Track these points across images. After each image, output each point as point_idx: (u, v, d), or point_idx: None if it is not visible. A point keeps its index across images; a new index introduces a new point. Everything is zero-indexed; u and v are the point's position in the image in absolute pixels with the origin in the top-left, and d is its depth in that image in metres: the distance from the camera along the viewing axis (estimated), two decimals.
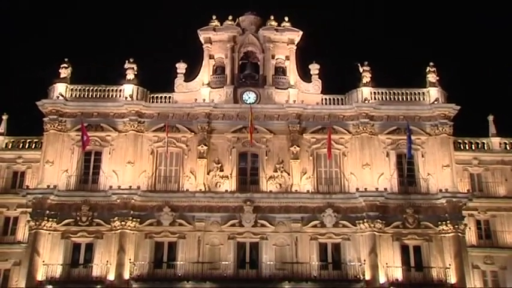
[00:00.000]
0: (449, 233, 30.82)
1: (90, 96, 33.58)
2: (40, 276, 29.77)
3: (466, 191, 32.30)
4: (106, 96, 33.64)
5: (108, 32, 55.60)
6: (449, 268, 30.18)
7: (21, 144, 34.81)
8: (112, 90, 33.76)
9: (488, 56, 55.14)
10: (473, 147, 34.93)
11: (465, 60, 52.27)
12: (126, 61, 34.12)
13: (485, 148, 35.05)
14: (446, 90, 33.90)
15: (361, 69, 34.15)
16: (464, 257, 30.49)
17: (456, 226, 30.75)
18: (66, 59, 34.05)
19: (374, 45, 51.35)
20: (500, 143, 35.21)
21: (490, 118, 35.98)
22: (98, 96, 33.63)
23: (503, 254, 32.85)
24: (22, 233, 32.85)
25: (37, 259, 29.93)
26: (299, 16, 35.96)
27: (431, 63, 34.35)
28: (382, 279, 30.01)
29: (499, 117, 35.96)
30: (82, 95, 33.57)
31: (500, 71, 54.18)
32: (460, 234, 30.80)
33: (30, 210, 31.13)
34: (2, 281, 32.16)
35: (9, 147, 34.86)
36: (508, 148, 35.18)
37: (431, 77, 34.07)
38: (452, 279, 30.04)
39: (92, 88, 33.70)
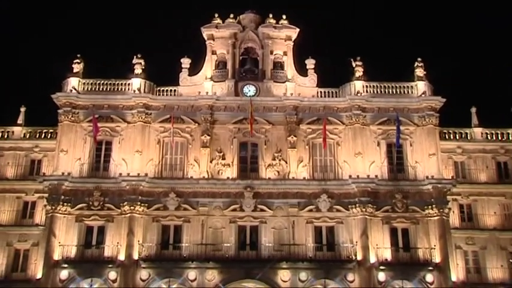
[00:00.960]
0: (434, 216, 29.86)
1: (101, 89, 32.34)
2: (56, 256, 28.90)
3: (450, 178, 31.30)
4: (116, 89, 32.37)
5: (116, 29, 54.51)
6: (434, 248, 29.32)
7: (38, 134, 33.63)
8: (121, 84, 32.46)
9: (472, 51, 54.60)
10: (457, 137, 33.77)
11: (450, 56, 51.43)
12: (134, 56, 32.80)
13: (468, 138, 33.88)
14: (433, 84, 32.68)
15: (353, 64, 32.85)
16: (448, 238, 29.62)
17: (441, 210, 29.81)
18: (78, 55, 32.78)
19: (366, 42, 50.32)
20: (482, 133, 34.06)
21: (473, 110, 34.81)
22: (108, 89, 32.39)
23: (483, 235, 31.89)
24: (40, 216, 31.79)
25: (53, 240, 29.07)
26: (296, 14, 34.70)
27: (419, 59, 33.08)
28: (372, 259, 29.06)
29: (481, 109, 34.89)
30: (93, 89, 32.32)
31: (482, 66, 53.13)
32: (444, 217, 29.86)
33: (46, 195, 30.16)
34: (22, 260, 31.22)
35: (27, 137, 33.70)
36: (489, 138, 34.02)
37: (419, 72, 32.84)
38: (437, 258, 29.19)
39: (102, 82, 32.48)
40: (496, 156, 33.43)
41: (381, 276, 28.75)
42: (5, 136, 33.53)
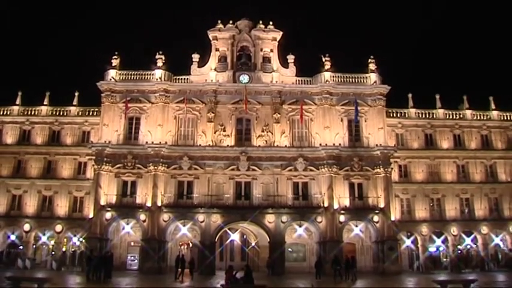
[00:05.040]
0: (381, 174, 24.55)
1: (132, 78, 25.90)
2: (102, 202, 23.85)
3: (392, 146, 25.72)
4: (143, 78, 25.90)
5: (143, 31, 47.89)
6: (380, 197, 24.27)
7: (87, 112, 27.50)
8: (147, 74, 25.96)
9: (410, 50, 47.48)
10: (398, 115, 27.74)
11: (395, 54, 44.41)
12: (157, 53, 26.23)
13: (406, 116, 27.89)
14: (382, 75, 26.46)
15: (323, 59, 26.34)
16: (390, 190, 24.57)
17: (386, 169, 24.57)
18: (116, 52, 26.25)
19: (333, 42, 43.60)
20: (415, 113, 28.11)
21: (410, 95, 28.63)
22: (138, 78, 25.92)
23: (414, 187, 26.75)
24: (90, 172, 26.20)
25: (100, 190, 23.93)
26: (280, 20, 28.01)
27: (371, 56, 26.71)
28: (335, 206, 23.84)
29: (415, 94, 28.66)
30: (127, 78, 25.87)
31: (417, 61, 46.40)
32: (388, 174, 24.65)
33: (94, 157, 24.55)
34: (79, 204, 26.28)
35: (80, 114, 27.65)
36: (420, 116, 28.05)
37: (372, 66, 26.52)
38: (382, 204, 24.18)
39: (133, 73, 26.07)
40: (424, 129, 27.83)
41: (342, 218, 23.84)
42: (65, 114, 27.68)
